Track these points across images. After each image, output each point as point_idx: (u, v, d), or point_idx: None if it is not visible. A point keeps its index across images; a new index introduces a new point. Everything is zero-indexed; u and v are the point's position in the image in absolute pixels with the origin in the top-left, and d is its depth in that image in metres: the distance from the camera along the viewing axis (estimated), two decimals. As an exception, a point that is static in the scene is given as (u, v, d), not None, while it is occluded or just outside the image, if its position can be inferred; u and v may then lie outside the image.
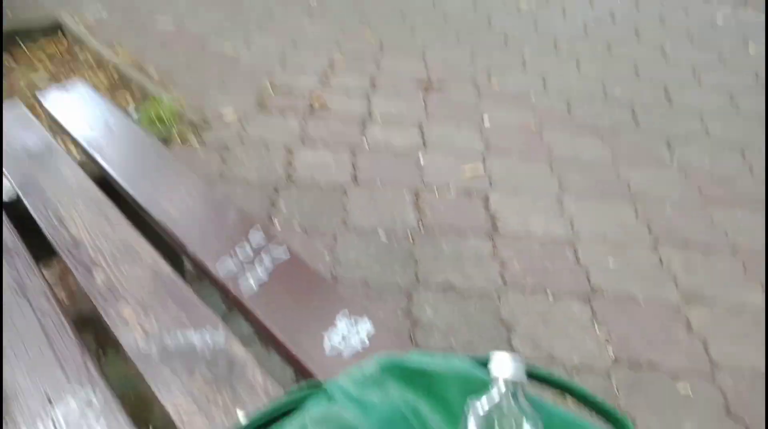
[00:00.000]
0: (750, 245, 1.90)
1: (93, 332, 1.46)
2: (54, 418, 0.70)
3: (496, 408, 0.54)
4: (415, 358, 0.62)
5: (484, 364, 0.62)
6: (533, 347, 1.50)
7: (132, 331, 0.81)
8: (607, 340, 1.53)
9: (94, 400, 0.72)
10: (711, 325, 1.59)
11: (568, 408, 0.58)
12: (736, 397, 1.39)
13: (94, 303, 0.87)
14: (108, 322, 0.84)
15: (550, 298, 1.65)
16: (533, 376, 0.62)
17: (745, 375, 1.45)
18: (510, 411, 0.54)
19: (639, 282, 1.73)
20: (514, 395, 0.55)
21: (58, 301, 0.89)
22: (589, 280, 1.72)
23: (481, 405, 0.55)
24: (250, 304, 0.84)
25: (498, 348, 1.49)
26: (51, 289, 0.92)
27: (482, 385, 0.57)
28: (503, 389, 0.55)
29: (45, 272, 0.96)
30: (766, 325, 1.59)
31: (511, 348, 1.49)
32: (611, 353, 1.50)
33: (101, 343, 1.42)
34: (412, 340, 1.50)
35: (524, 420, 0.53)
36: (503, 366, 0.56)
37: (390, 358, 0.63)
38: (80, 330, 1.47)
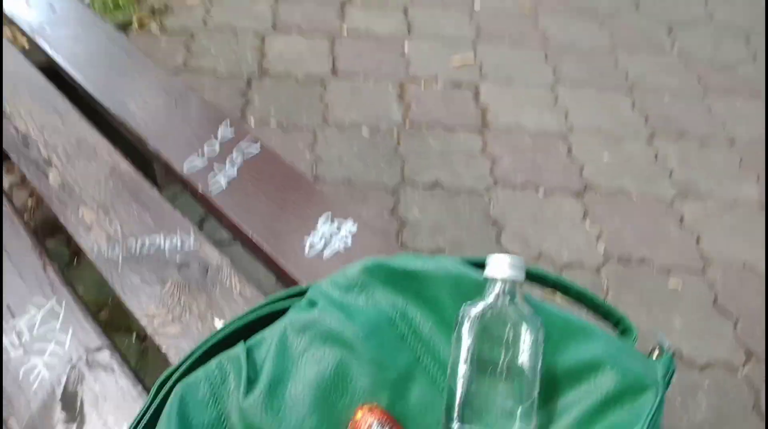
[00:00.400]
0: (748, 136, 1.84)
1: (65, 239, 1.40)
2: (18, 330, 0.64)
3: (493, 311, 0.49)
4: (402, 260, 0.56)
5: (477, 266, 0.56)
6: (523, 245, 1.47)
7: (94, 235, 0.74)
8: (598, 237, 1.50)
9: (59, 309, 0.66)
10: (704, 219, 1.56)
11: (567, 309, 0.54)
12: (725, 291, 1.39)
13: (50, 205, 0.79)
14: (67, 226, 0.76)
15: (541, 195, 1.60)
16: (531, 276, 0.57)
17: (735, 269, 1.44)
18: (507, 314, 0.48)
19: (633, 176, 1.67)
20: (512, 297, 0.49)
21: (12, 205, 0.81)
22: (581, 175, 1.66)
23: (476, 308, 0.49)
24: (219, 203, 0.76)
25: (487, 246, 1.45)
26: (2, 193, 0.83)
27: (477, 288, 0.52)
28: (500, 291, 0.50)
29: (5, 177, 0.87)
30: (766, 217, 1.56)
31: (500, 246, 1.46)
32: (602, 249, 1.47)
33: (74, 251, 1.36)
34: (398, 241, 1.46)
35: (523, 323, 0.48)
36: (500, 266, 0.50)
37: (376, 261, 0.57)
38: (49, 237, 1.41)
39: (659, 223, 1.55)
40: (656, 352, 0.53)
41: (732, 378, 1.22)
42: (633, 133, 1.82)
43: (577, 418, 0.47)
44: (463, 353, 0.48)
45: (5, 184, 1.47)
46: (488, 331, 0.48)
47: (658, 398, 0.47)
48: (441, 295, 0.53)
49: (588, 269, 1.43)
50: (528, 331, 0.48)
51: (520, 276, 0.50)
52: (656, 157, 1.75)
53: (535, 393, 0.47)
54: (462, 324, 0.49)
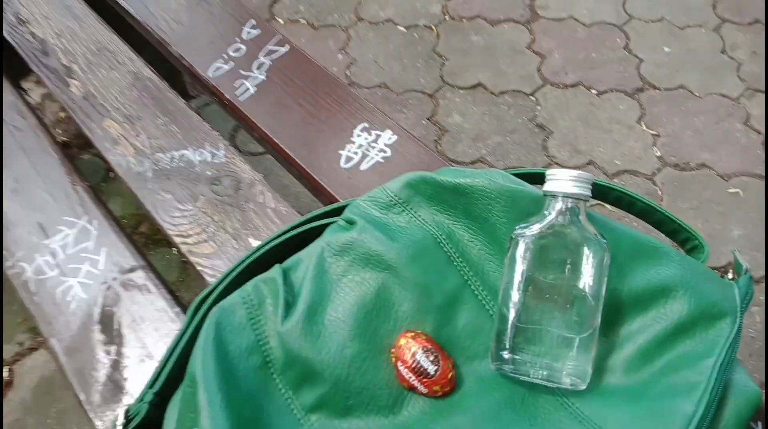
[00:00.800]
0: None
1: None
2: (51, 250, 0.63)
3: (553, 231, 0.43)
4: (449, 173, 0.50)
5: (533, 180, 0.50)
6: (572, 151, 1.38)
7: (121, 148, 0.71)
8: (654, 140, 1.39)
9: (91, 228, 0.64)
10: (774, 118, 1.43)
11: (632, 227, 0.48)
12: (792, 196, 1.29)
13: (74, 117, 0.75)
14: (93, 140, 0.73)
15: (594, 95, 1.48)
16: (597, 192, 0.50)
17: (802, 172, 1.33)
18: (569, 235, 0.43)
19: (696, 71, 1.52)
20: (575, 216, 0.43)
21: (38, 119, 0.78)
22: (639, 72, 1.52)
23: (533, 228, 0.44)
24: (248, 111, 0.71)
25: (533, 154, 1.37)
26: (29, 106, 0.79)
27: (534, 205, 0.46)
28: (561, 209, 0.44)
29: (31, 92, 0.84)
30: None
31: (546, 152, 1.37)
32: (658, 154, 1.37)
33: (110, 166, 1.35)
34: (437, 149, 1.39)
35: (586, 245, 0.43)
36: (562, 181, 0.44)
37: (419, 175, 0.51)
38: (84, 150, 1.39)
39: (722, 123, 1.42)
40: (731, 273, 0.47)
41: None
42: (699, 21, 1.63)
43: (642, 348, 0.43)
44: (517, 277, 0.43)
45: (37, 97, 1.45)
46: (546, 253, 0.43)
47: (737, 326, 0.43)
48: (493, 213, 0.48)
49: (642, 176, 1.34)
50: (592, 254, 0.42)
51: (585, 192, 0.44)
52: (724, 48, 1.57)
53: (597, 322, 0.43)
54: (516, 245, 0.44)
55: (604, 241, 0.43)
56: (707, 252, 0.49)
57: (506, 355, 0.42)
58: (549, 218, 0.44)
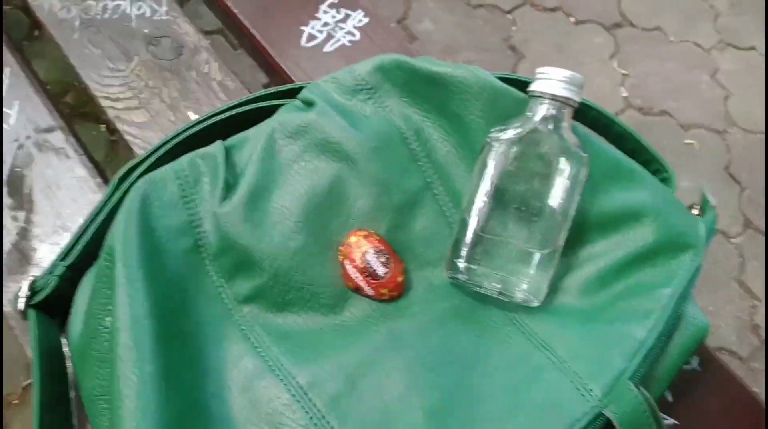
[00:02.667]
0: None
1: (23, 4, 1.22)
2: (-47, 94, 0.53)
3: (531, 137, 0.39)
4: (427, 62, 0.44)
5: (515, 85, 0.45)
6: (540, 78, 1.34)
7: (44, -10, 0.60)
8: (623, 80, 1.37)
9: (2, 76, 0.55)
10: (739, 76, 1.42)
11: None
12: (740, 157, 1.31)
13: (-13, -55, 0.63)
14: (11, -24, 0.61)
15: (572, 24, 1.42)
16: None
17: (757, 137, 1.35)
18: (548, 143, 0.39)
19: (675, 15, 1.48)
20: (557, 123, 0.39)
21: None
22: (620, 5, 1.47)
23: (511, 131, 0.39)
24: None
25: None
26: None
27: (516, 109, 0.42)
28: (546, 112, 0.39)
29: None
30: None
31: (515, 75, 1.33)
32: (625, 94, 1.35)
33: (35, 21, 1.19)
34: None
35: (563, 157, 0.39)
36: (552, 81, 0.38)
37: (394, 58, 0.45)
38: (6, 2, 1.21)
39: (691, 73, 1.41)
40: (696, 209, 0.46)
41: (724, 245, 1.20)
42: (687, -37, 1.58)
43: (601, 271, 0.41)
44: (485, 184, 0.39)
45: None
46: (520, 161, 0.39)
47: (698, 260, 0.41)
48: (470, 111, 0.43)
49: (604, 114, 1.32)
50: (569, 168, 0.39)
51: (576, 97, 0.39)
52: (706, -4, 1.54)
53: (561, 240, 0.40)
54: (490, 149, 0.39)
55: (585, 155, 0.39)
56: (675, 185, 0.47)
57: (461, 264, 0.39)
58: (530, 123, 0.39)
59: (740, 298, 1.15)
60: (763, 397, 0.45)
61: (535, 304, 0.40)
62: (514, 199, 0.39)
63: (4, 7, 1.20)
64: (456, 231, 0.41)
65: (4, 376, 0.86)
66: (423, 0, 1.39)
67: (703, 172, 1.28)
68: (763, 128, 1.35)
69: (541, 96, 0.39)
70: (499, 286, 0.39)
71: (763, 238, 1.21)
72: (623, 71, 1.38)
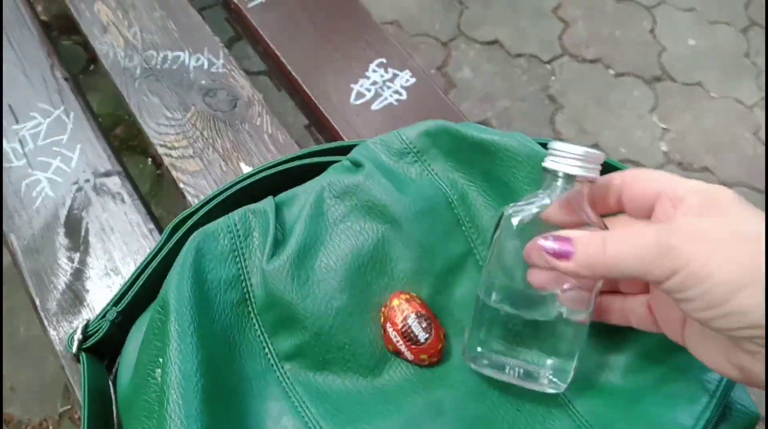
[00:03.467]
0: None
1: (82, 42, 1.28)
2: (20, 137, 0.56)
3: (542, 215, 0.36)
4: (473, 129, 0.45)
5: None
6: (579, 131, 1.34)
7: (110, 37, 0.63)
8: (662, 134, 1.36)
9: (66, 121, 0.58)
10: (783, 133, 1.41)
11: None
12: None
13: (62, -4, 0.67)
14: (80, 22, 0.65)
15: (611, 76, 1.43)
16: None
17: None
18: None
19: (716, 70, 1.48)
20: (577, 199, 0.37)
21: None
22: (660, 59, 1.47)
23: (530, 207, 0.37)
24: (255, 19, 0.64)
25: (539, 126, 1.33)
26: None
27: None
28: (561, 190, 0.36)
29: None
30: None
31: (553, 127, 1.33)
32: (664, 149, 1.34)
33: (92, 56, 1.25)
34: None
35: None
36: (566, 158, 0.36)
37: (440, 124, 0.46)
38: (64, 36, 1.29)
39: (732, 129, 1.39)
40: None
41: None
42: (728, 19, 1.58)
43: (647, 349, 0.40)
44: (505, 261, 0.37)
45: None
46: (529, 236, 0.36)
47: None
48: (517, 178, 0.43)
49: (644, 169, 1.31)
50: None
51: (592, 174, 0.36)
52: (748, 52, 1.53)
53: (588, 319, 0.38)
54: (509, 224, 0.37)
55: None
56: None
57: (480, 349, 0.38)
58: (544, 200, 0.37)
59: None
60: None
61: (563, 389, 0.38)
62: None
63: (66, 42, 1.27)
64: (474, 311, 0.39)
65: (40, 399, 0.88)
66: (463, 48, 1.42)
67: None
68: (806, 188, 1.32)
69: (554, 173, 0.37)
70: (521, 371, 0.37)
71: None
72: (663, 125, 1.37)
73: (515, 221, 0.37)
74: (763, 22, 1.59)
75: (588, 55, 1.45)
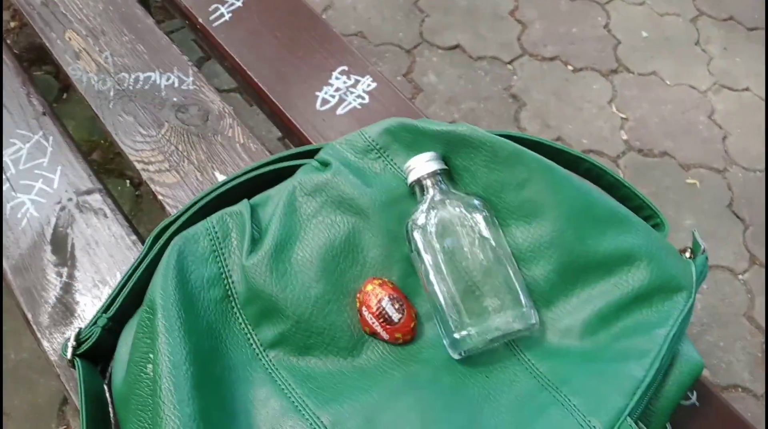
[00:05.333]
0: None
1: (53, 71, 1.30)
2: (2, 163, 0.59)
3: (436, 210, 0.45)
4: (430, 123, 0.49)
5: (509, 139, 0.50)
6: (542, 126, 1.39)
7: (83, 63, 0.66)
8: (622, 124, 1.42)
9: (46, 145, 0.60)
10: (736, 116, 1.47)
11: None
12: (742, 194, 1.33)
13: (33, 25, 0.70)
14: (53, 51, 0.68)
15: (570, 71, 1.49)
16: (564, 162, 0.50)
17: (757, 174, 1.38)
18: (449, 207, 0.44)
19: (670, 59, 1.54)
20: (445, 189, 0.46)
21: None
22: (616, 53, 1.53)
23: (420, 215, 0.45)
24: (221, 38, 0.67)
25: (504, 123, 1.37)
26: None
27: (515, 158, 0.46)
28: (431, 188, 0.46)
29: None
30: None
31: (517, 123, 1.38)
32: (624, 137, 1.40)
33: (64, 84, 1.27)
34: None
35: (466, 209, 0.44)
36: (420, 165, 0.46)
37: (399, 121, 0.50)
38: (35, 67, 1.30)
39: (688, 114, 1.46)
40: (688, 252, 0.49)
41: (732, 282, 1.22)
42: (678, 10, 1.65)
43: (600, 311, 0.44)
44: (428, 264, 0.43)
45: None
46: (441, 231, 0.44)
47: (691, 301, 0.44)
48: (474, 162, 0.47)
49: (606, 157, 1.37)
50: (474, 213, 0.44)
51: (441, 165, 0.47)
52: (698, 40, 1.60)
53: (511, 263, 0.44)
54: (413, 238, 0.44)
55: (477, 200, 0.45)
56: (667, 230, 0.51)
57: (458, 335, 0.42)
58: (427, 202, 0.45)
59: (751, 335, 1.16)
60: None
61: (534, 321, 0.42)
62: (456, 261, 0.43)
63: (37, 73, 1.29)
64: (435, 314, 0.44)
65: (35, 421, 0.88)
66: (427, 54, 1.47)
67: (706, 211, 1.31)
68: (761, 166, 1.39)
69: (419, 181, 0.46)
70: (498, 332, 0.42)
71: (770, 274, 1.22)
72: (622, 115, 1.43)
73: (418, 230, 0.44)
74: (710, 12, 1.67)
75: (546, 53, 1.50)
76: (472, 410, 0.40)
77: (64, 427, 0.88)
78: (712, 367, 1.11)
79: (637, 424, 0.38)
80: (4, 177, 0.58)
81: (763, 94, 1.52)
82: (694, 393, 0.48)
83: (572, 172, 0.49)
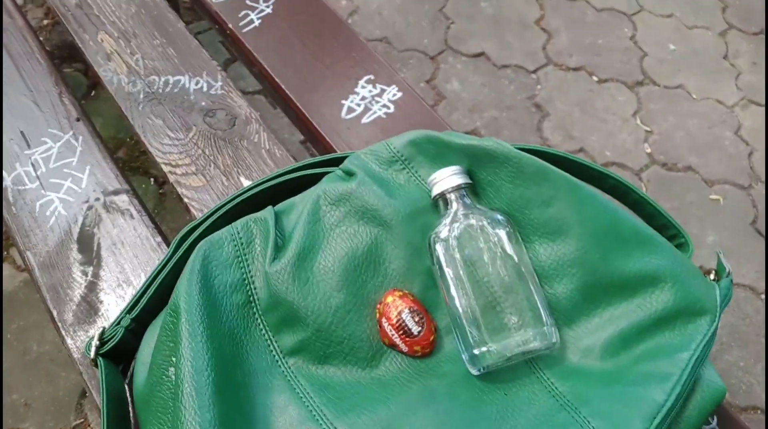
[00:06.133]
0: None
1: (82, 68, 1.33)
2: (33, 161, 0.60)
3: (459, 225, 0.44)
4: (455, 136, 0.49)
5: (534, 154, 0.50)
6: (565, 137, 1.38)
7: (114, 64, 0.67)
8: (646, 137, 1.40)
9: (75, 144, 0.61)
10: (762, 132, 1.45)
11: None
12: (766, 211, 1.31)
13: (67, 26, 0.71)
14: (85, 52, 0.69)
15: (595, 82, 1.47)
16: (585, 176, 0.50)
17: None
18: (473, 222, 0.44)
19: (697, 73, 1.52)
20: (469, 204, 0.46)
21: (26, 22, 0.73)
22: (642, 65, 1.52)
23: (443, 229, 0.45)
24: (250, 43, 0.68)
25: (526, 133, 1.37)
26: (16, 5, 0.75)
27: (540, 175, 0.46)
28: (456, 202, 0.46)
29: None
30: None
31: (540, 133, 1.37)
32: (648, 151, 1.38)
33: (93, 82, 1.29)
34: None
35: (491, 223, 0.44)
36: (446, 179, 0.46)
37: (425, 133, 0.50)
38: (65, 64, 1.33)
39: (714, 129, 1.44)
40: (712, 274, 0.48)
41: (753, 301, 1.20)
42: (707, 23, 1.63)
43: (622, 332, 0.44)
44: (450, 279, 0.43)
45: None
46: (464, 245, 0.44)
47: (715, 325, 0.44)
48: (500, 177, 0.47)
49: (629, 170, 1.35)
50: (499, 230, 0.44)
51: (467, 179, 0.47)
52: (727, 54, 1.58)
53: (534, 279, 0.44)
54: (436, 251, 0.44)
55: (501, 215, 0.45)
56: (692, 250, 0.50)
57: (477, 351, 0.42)
58: (451, 216, 0.45)
59: (772, 355, 1.14)
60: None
61: (554, 340, 0.42)
62: (479, 276, 0.43)
63: (67, 70, 1.32)
64: (455, 329, 0.44)
65: (54, 413, 0.90)
66: (451, 61, 1.47)
67: (729, 228, 1.29)
68: (789, 184, 1.36)
69: (443, 195, 0.46)
70: (519, 349, 0.41)
71: (794, 295, 1.20)
72: (646, 128, 1.41)
73: (440, 244, 0.44)
74: (740, 25, 1.64)
75: (572, 63, 1.49)
76: (490, 427, 0.40)
77: (82, 420, 0.89)
78: (731, 387, 1.09)
79: (657, 449, 0.38)
80: (34, 174, 0.59)
81: (792, 111, 1.49)
82: (715, 418, 0.47)
83: (598, 190, 0.48)
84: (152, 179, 1.15)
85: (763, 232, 1.29)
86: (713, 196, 1.33)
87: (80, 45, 0.70)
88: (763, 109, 1.48)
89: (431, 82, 1.42)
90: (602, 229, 0.45)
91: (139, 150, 1.18)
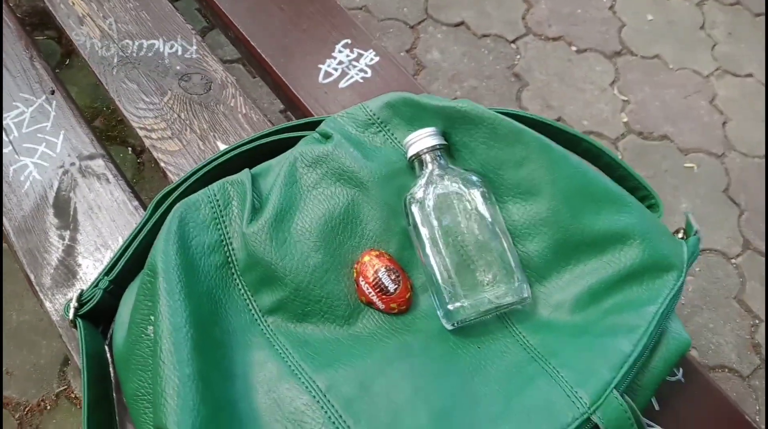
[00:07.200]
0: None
1: (56, 36, 1.29)
2: (5, 126, 0.59)
3: (434, 185, 0.45)
4: (431, 98, 0.50)
5: (509, 116, 0.50)
6: (543, 106, 1.39)
7: (87, 29, 0.66)
8: (623, 106, 1.42)
9: (49, 109, 0.60)
10: (737, 102, 1.47)
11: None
12: (739, 180, 1.34)
13: (35, -10, 0.69)
14: (57, 16, 0.68)
15: (573, 52, 1.48)
16: (559, 139, 0.51)
17: (755, 160, 1.39)
18: (448, 182, 0.45)
19: (674, 43, 1.54)
20: (444, 164, 0.47)
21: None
22: (620, 35, 1.52)
23: (419, 190, 0.46)
24: (225, 5, 0.67)
25: (505, 102, 1.37)
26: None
27: (513, 136, 0.47)
28: (431, 163, 0.47)
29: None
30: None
31: (519, 103, 1.38)
32: (625, 120, 1.40)
33: (67, 50, 1.26)
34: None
35: (465, 183, 0.45)
36: (421, 140, 0.47)
37: (400, 95, 0.50)
38: (37, 32, 1.29)
39: (690, 99, 1.46)
40: (681, 233, 0.50)
41: (724, 266, 1.23)
42: (686, -7, 1.64)
43: (592, 287, 0.45)
44: (425, 238, 0.44)
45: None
46: (439, 205, 0.45)
47: (681, 280, 0.45)
48: (475, 138, 0.48)
49: (606, 139, 1.37)
50: (472, 189, 0.45)
51: (442, 140, 0.48)
52: (704, 24, 1.59)
53: (507, 238, 0.45)
54: (412, 211, 0.45)
55: (475, 176, 0.46)
56: (662, 211, 0.51)
57: (452, 307, 0.43)
58: (426, 177, 0.46)
59: (740, 318, 1.18)
60: (764, 416, 0.48)
61: (526, 295, 0.44)
62: (453, 235, 0.44)
63: (39, 38, 1.28)
64: (430, 286, 0.45)
65: (37, 380, 0.90)
66: (431, 31, 1.46)
67: (703, 195, 1.32)
68: (760, 152, 1.39)
69: (418, 156, 0.47)
70: (492, 304, 0.43)
71: (762, 259, 1.24)
72: (623, 97, 1.43)
73: (416, 204, 0.45)
74: (718, -4, 1.65)
75: (551, 33, 1.49)
76: (463, 379, 0.42)
77: (65, 387, 0.90)
78: (700, 347, 1.14)
79: (622, 396, 0.39)
80: (7, 139, 0.58)
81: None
82: (680, 370, 0.49)
83: (570, 152, 0.49)
84: (130, 149, 1.14)
85: (736, 199, 1.32)
86: (687, 164, 1.35)
87: (51, 8, 0.68)
88: (738, 80, 1.50)
89: (411, 51, 1.42)
90: (573, 189, 0.46)
91: (116, 119, 1.16)
